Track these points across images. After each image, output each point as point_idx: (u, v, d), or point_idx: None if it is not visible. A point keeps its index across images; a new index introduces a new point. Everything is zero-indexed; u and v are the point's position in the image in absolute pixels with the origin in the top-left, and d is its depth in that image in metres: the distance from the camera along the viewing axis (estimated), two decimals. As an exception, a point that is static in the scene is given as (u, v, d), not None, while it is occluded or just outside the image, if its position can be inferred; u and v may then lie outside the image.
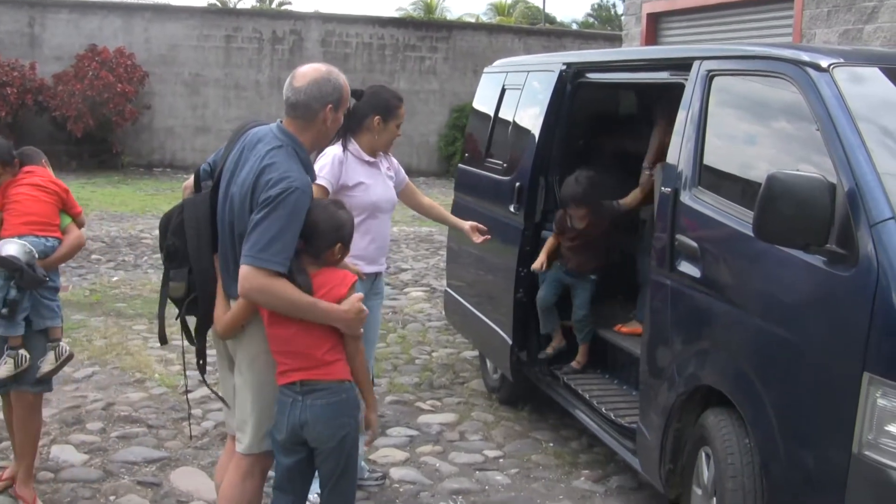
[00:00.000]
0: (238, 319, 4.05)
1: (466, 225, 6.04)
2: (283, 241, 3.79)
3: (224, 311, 4.09)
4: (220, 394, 4.54)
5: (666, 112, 6.78)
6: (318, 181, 5.09)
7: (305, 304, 3.86)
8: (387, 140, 5.46)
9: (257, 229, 3.79)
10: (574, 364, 6.64)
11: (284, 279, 3.82)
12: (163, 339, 4.45)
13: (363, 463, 5.68)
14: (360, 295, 4.01)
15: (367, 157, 5.37)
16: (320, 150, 5.21)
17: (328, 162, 5.21)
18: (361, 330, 4.01)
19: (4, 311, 4.96)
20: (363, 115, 5.35)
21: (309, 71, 4.10)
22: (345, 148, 5.30)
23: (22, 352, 5.09)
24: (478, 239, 6.01)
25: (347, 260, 5.00)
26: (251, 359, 4.11)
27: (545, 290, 6.63)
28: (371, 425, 4.26)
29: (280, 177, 3.82)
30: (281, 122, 4.12)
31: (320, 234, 3.97)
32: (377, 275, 5.52)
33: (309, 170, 4.06)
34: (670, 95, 6.76)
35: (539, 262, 6.54)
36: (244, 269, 3.80)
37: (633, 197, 6.66)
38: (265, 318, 3.97)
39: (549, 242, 6.62)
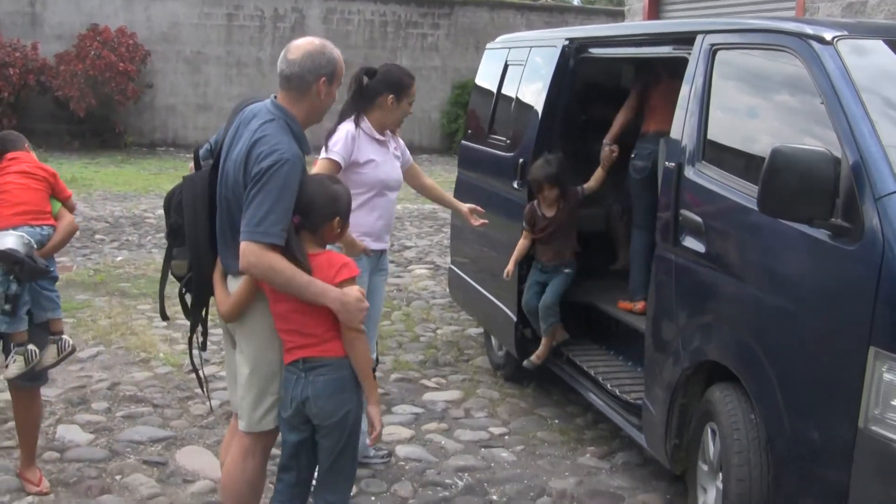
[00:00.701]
0: (241, 302, 4.06)
1: (464, 207, 6.09)
2: (277, 214, 3.81)
3: (224, 294, 4.09)
4: (200, 372, 4.57)
5: (638, 87, 6.80)
6: (331, 156, 5.18)
7: (300, 282, 3.86)
8: (398, 118, 5.50)
9: (252, 204, 3.82)
10: (534, 359, 6.60)
11: (283, 255, 3.84)
12: (164, 316, 4.54)
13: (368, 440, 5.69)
14: (362, 289, 3.98)
15: (378, 136, 5.39)
16: (334, 125, 5.32)
17: (342, 137, 5.25)
18: (360, 325, 3.94)
19: (7, 306, 4.86)
20: (376, 93, 5.38)
21: (303, 44, 4.12)
22: (357, 125, 5.32)
23: (31, 347, 5.01)
24: (475, 222, 6.05)
25: (355, 236, 5.04)
26: (250, 337, 4.13)
27: (527, 294, 6.61)
28: (372, 420, 4.11)
29: (270, 149, 3.84)
30: (275, 96, 4.13)
31: (316, 209, 3.97)
32: (382, 252, 5.56)
33: (302, 142, 4.05)
34: (645, 69, 6.78)
35: (507, 270, 6.56)
36: (243, 245, 3.84)
37: (595, 179, 6.60)
38: (269, 296, 3.98)
39: (520, 245, 6.59)
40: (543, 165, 6.39)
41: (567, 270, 6.53)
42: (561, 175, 6.39)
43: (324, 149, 5.24)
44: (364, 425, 4.19)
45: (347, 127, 5.31)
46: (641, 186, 6.53)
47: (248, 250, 3.83)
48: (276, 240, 3.82)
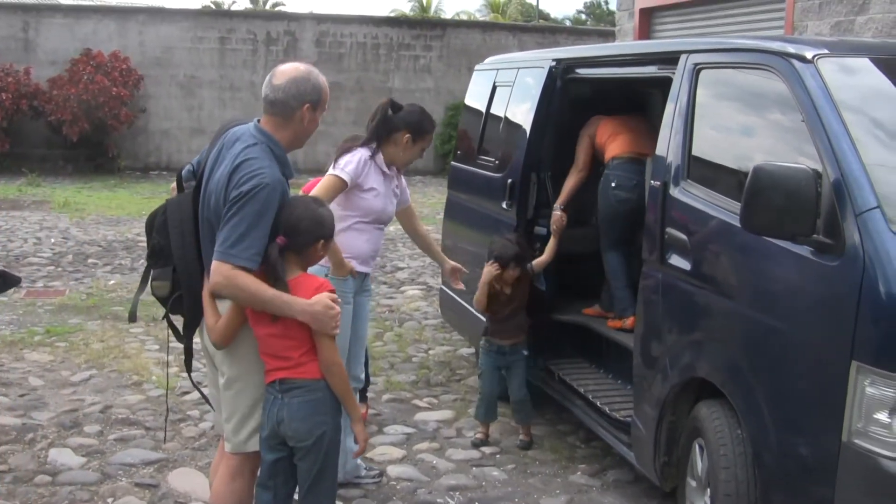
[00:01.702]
0: (232, 326, 4.05)
1: (448, 265, 6.20)
2: (251, 238, 3.83)
3: (214, 318, 4.09)
4: (206, 394, 4.61)
5: (586, 135, 6.89)
6: (340, 174, 5.26)
7: (267, 296, 3.87)
8: (408, 158, 5.62)
9: (227, 225, 3.84)
10: (524, 437, 6.45)
11: (251, 273, 3.85)
12: (132, 317, 4.54)
13: (360, 461, 5.70)
14: (331, 294, 3.98)
15: (386, 169, 5.49)
16: (349, 145, 5.45)
17: (355, 160, 5.34)
18: (336, 330, 3.96)
19: None
20: (394, 128, 5.49)
21: (289, 69, 4.14)
22: (372, 154, 5.40)
23: None
24: (455, 283, 6.21)
25: (345, 258, 5.10)
26: (232, 359, 4.13)
27: (488, 382, 6.43)
28: (358, 437, 4.19)
29: (252, 173, 3.86)
30: (258, 120, 4.15)
31: (302, 231, 3.99)
32: (366, 274, 5.62)
33: (285, 167, 4.08)
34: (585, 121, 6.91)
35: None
36: (214, 265, 3.86)
37: (548, 251, 6.48)
38: (250, 318, 4.00)
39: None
40: (509, 245, 6.29)
41: (525, 352, 6.43)
42: (525, 254, 6.36)
43: (332, 165, 5.32)
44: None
45: (363, 152, 5.40)
46: (614, 214, 6.59)
47: (218, 270, 3.85)
48: (247, 264, 3.83)
